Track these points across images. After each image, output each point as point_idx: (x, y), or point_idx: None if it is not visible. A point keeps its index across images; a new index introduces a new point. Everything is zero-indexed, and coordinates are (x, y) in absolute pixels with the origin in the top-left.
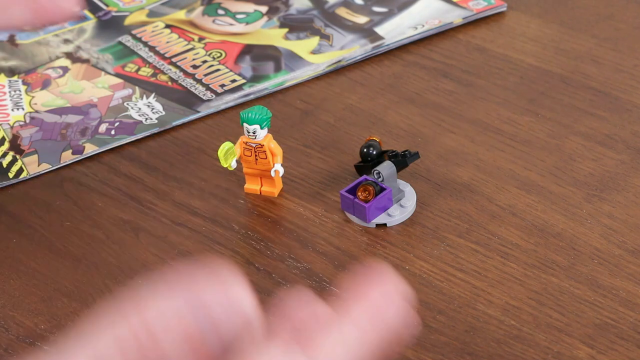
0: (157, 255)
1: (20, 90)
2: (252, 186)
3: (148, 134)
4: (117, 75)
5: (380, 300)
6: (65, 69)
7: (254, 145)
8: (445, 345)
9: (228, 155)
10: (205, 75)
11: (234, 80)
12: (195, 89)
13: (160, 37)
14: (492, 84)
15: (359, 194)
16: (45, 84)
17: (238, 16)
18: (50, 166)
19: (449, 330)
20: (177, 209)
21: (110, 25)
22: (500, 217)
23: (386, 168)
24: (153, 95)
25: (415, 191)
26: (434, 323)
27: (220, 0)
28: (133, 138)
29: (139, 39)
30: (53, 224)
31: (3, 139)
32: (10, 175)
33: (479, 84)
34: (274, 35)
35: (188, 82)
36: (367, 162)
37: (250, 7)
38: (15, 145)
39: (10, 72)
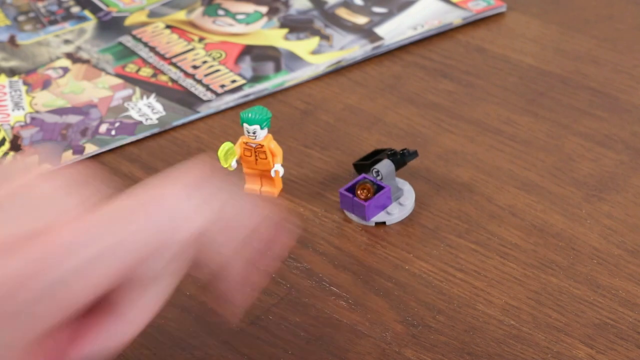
0: None
1: (20, 91)
2: (252, 186)
3: (148, 134)
4: (118, 75)
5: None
6: (65, 70)
7: (254, 146)
8: (445, 345)
9: (228, 155)
10: (206, 75)
11: (234, 81)
12: (196, 89)
13: (160, 37)
14: (491, 84)
15: (358, 192)
16: (46, 84)
17: (238, 17)
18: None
19: (448, 330)
20: None
21: (111, 26)
22: (500, 217)
23: (385, 166)
24: (153, 95)
25: (415, 191)
26: (434, 323)
27: (220, 1)
28: (133, 138)
29: (139, 40)
30: None
31: (3, 139)
32: None
33: (479, 85)
34: (274, 36)
35: (188, 83)
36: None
37: (250, 8)
38: (16, 146)
39: (11, 72)
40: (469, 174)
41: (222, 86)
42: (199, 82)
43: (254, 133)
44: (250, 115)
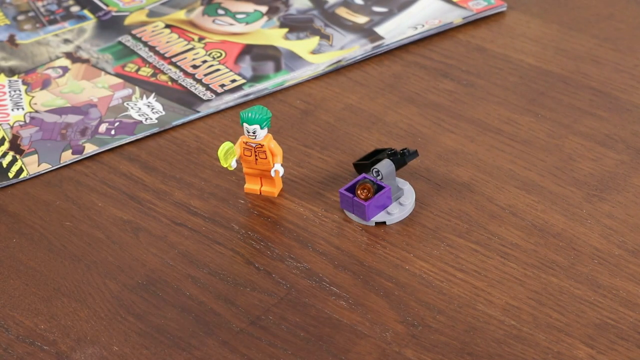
0: (157, 255)
1: (20, 90)
2: (252, 186)
3: (148, 134)
4: (117, 75)
5: None
6: (65, 69)
7: (254, 145)
8: (445, 345)
9: (228, 155)
10: (205, 75)
11: (234, 80)
12: (195, 89)
13: (160, 37)
14: (492, 84)
15: (358, 192)
16: (45, 83)
17: (238, 16)
18: (50, 166)
19: (449, 330)
20: (177, 209)
21: (110, 25)
22: (500, 217)
23: (385, 166)
24: (153, 95)
25: (415, 191)
26: (434, 323)
27: (220, 0)
28: (133, 138)
29: (139, 39)
30: (53, 224)
31: (3, 139)
32: (10, 175)
33: (479, 84)
34: (274, 35)
35: (188, 82)
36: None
37: (250, 7)
38: (15, 145)
39: (10, 72)
40: (469, 174)
41: (222, 86)
42: (199, 81)
43: (254, 133)
44: (250, 115)
